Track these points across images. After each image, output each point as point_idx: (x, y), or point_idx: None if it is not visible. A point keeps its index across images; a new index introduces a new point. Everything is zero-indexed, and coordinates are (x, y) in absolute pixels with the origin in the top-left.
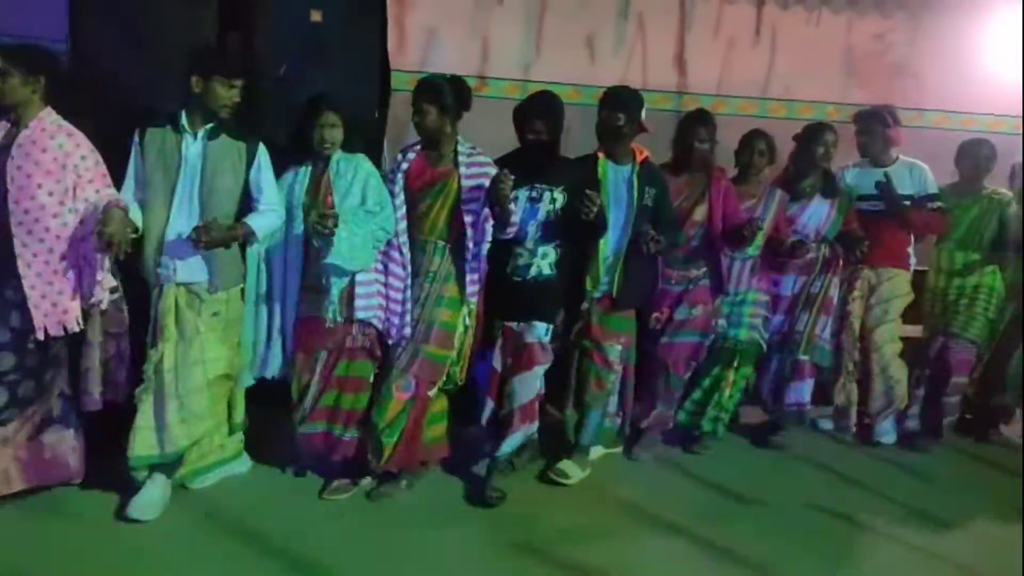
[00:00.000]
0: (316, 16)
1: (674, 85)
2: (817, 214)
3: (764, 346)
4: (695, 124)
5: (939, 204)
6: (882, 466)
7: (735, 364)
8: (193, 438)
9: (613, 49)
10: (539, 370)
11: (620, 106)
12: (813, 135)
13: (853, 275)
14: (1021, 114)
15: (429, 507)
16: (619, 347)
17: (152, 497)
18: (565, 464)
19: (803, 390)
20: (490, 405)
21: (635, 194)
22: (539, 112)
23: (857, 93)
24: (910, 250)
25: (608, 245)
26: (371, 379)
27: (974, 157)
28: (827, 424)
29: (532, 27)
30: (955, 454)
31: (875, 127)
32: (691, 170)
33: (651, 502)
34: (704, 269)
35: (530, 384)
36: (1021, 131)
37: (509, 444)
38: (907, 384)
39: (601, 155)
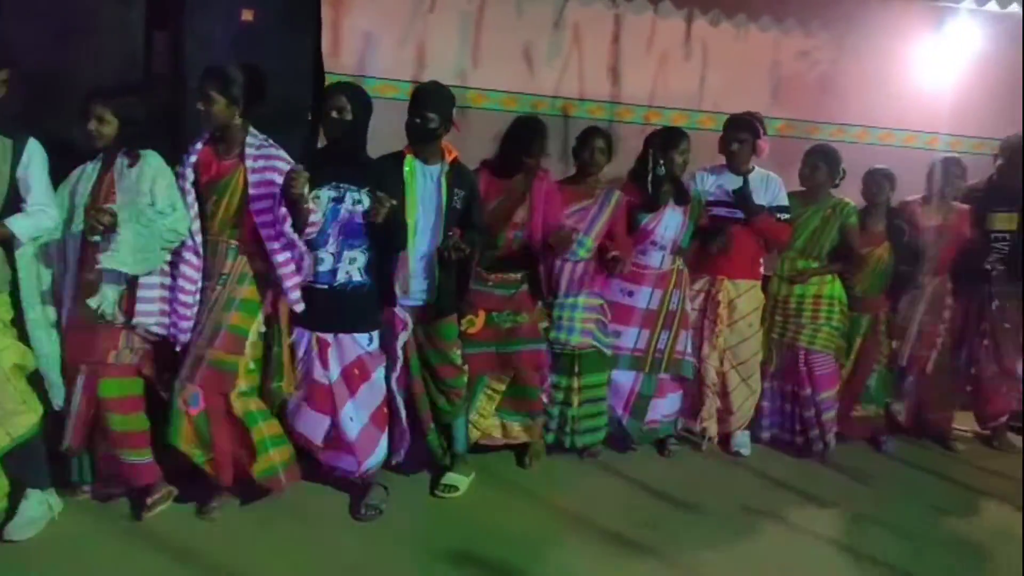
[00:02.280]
0: (247, 16)
1: (608, 95)
2: (672, 223)
3: (607, 352)
4: (521, 131)
5: (787, 216)
6: (813, 468)
7: (576, 371)
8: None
9: (549, 58)
10: (376, 375)
11: (431, 105)
12: (665, 140)
13: (713, 287)
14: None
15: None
16: (458, 352)
17: (29, 516)
18: (449, 478)
19: (664, 406)
20: (325, 423)
21: (444, 196)
22: (341, 90)
23: (782, 108)
24: (762, 260)
25: (417, 249)
26: (141, 395)
27: (946, 174)
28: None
29: (468, 34)
30: (886, 457)
31: (747, 136)
32: (514, 173)
33: (586, 507)
34: (524, 272)
35: (374, 392)
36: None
37: (374, 459)
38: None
39: (409, 154)
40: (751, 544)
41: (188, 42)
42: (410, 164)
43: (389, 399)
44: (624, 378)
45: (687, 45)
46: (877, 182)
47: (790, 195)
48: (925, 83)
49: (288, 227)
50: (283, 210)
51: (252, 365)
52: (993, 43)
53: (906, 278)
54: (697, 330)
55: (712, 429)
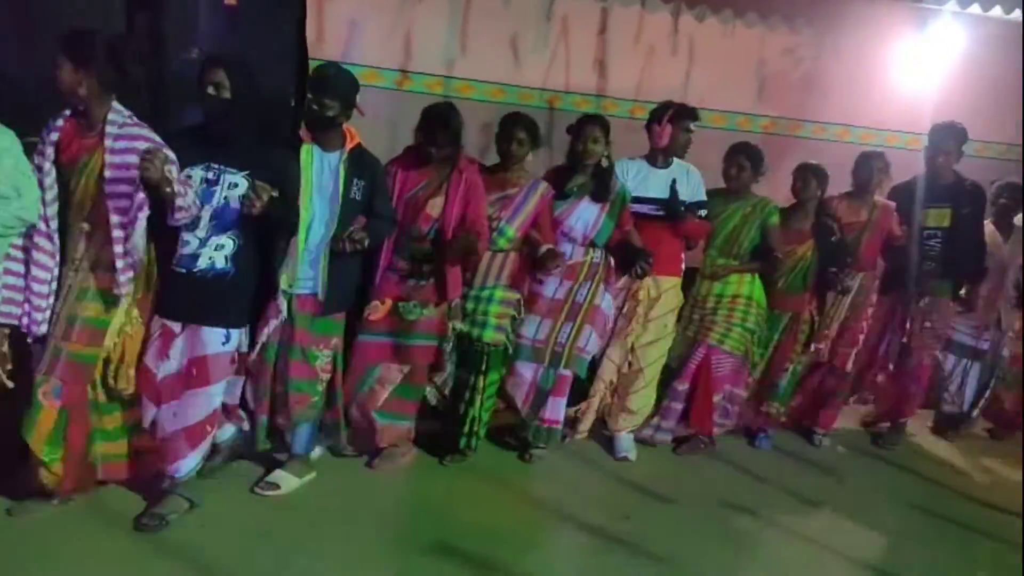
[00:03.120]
0: (231, 0)
1: (595, 88)
2: (585, 217)
3: (511, 348)
4: (426, 121)
5: (705, 212)
6: (787, 461)
7: (483, 369)
8: None
9: (536, 50)
10: (215, 389)
11: (329, 91)
12: (579, 129)
13: (634, 284)
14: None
15: (340, 505)
16: (328, 352)
17: None
18: (274, 474)
19: (560, 406)
20: (151, 412)
21: (341, 185)
22: (219, 63)
23: (767, 106)
24: (682, 256)
25: (310, 239)
26: None
27: (869, 169)
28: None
29: (456, 24)
30: (856, 452)
31: (652, 124)
32: (434, 160)
33: (564, 500)
34: (436, 266)
35: (201, 404)
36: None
37: (180, 469)
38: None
39: (307, 139)
40: (725, 535)
41: (169, 28)
42: (307, 151)
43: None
44: (525, 370)
45: (674, 40)
46: (805, 178)
47: (713, 192)
48: (908, 84)
49: (142, 215)
50: (141, 195)
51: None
52: (976, 45)
53: (830, 276)
54: (603, 326)
55: (587, 423)
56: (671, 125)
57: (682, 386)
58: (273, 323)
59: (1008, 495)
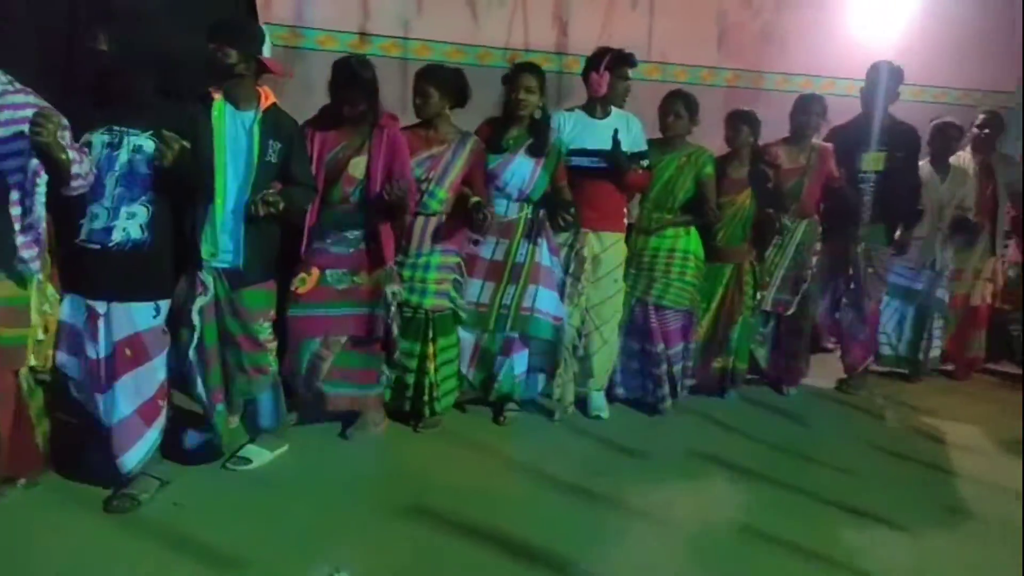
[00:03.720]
0: None
1: (556, 45)
2: (520, 171)
3: (461, 314)
4: (335, 76)
5: (648, 162)
6: (754, 411)
7: (431, 335)
8: None
9: (495, 8)
10: (156, 361)
11: (227, 39)
12: (514, 78)
13: (577, 241)
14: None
15: (314, 472)
16: (267, 324)
17: None
18: (246, 449)
19: (518, 365)
20: (99, 402)
21: (256, 146)
22: (99, 16)
23: (728, 59)
24: (624, 210)
25: (225, 204)
26: None
27: (806, 112)
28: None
29: None
30: (818, 398)
31: (589, 71)
32: (350, 119)
33: (538, 460)
34: (364, 231)
35: (147, 381)
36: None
37: (135, 455)
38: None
39: (218, 96)
40: (699, 487)
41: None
42: (219, 108)
43: (184, 374)
44: (467, 334)
45: None
46: (736, 126)
47: (648, 142)
48: (869, 31)
49: (41, 181)
50: (35, 162)
51: (42, 336)
52: None
53: (770, 224)
54: (559, 287)
55: (568, 396)
56: (609, 73)
57: (655, 347)
58: (200, 300)
59: (965, 435)
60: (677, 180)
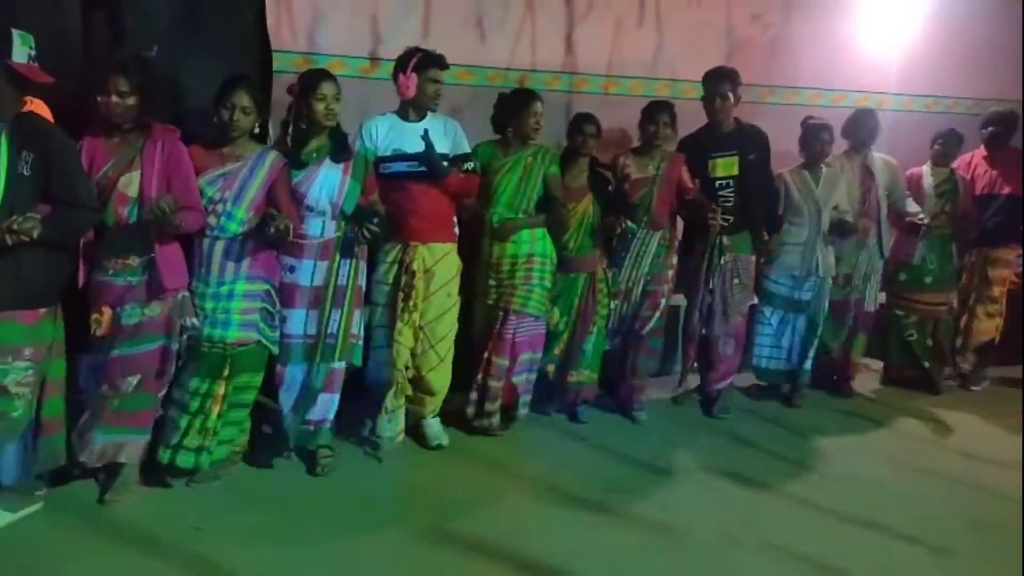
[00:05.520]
0: None
1: (564, 65)
2: (329, 182)
3: (272, 347)
4: (104, 72)
5: (472, 164)
6: (767, 426)
7: (225, 374)
8: None
9: (503, 29)
10: None
11: None
12: (309, 86)
13: (406, 255)
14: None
15: (331, 494)
16: (22, 364)
17: None
18: None
19: (331, 404)
20: None
21: (3, 157)
22: None
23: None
24: (454, 219)
25: None
26: None
27: (654, 122)
28: (388, 431)
29: (420, 7)
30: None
31: (442, 76)
32: (111, 131)
33: (552, 474)
34: (149, 256)
35: None
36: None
37: None
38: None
39: None
40: (714, 503)
41: (128, 20)
42: None
43: None
44: (298, 372)
45: (641, 12)
46: (580, 130)
47: (488, 144)
48: (877, 43)
49: None
50: None
51: None
52: (942, 2)
53: (608, 223)
54: (389, 306)
55: (398, 422)
56: (416, 75)
57: (498, 360)
58: None
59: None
60: (528, 179)
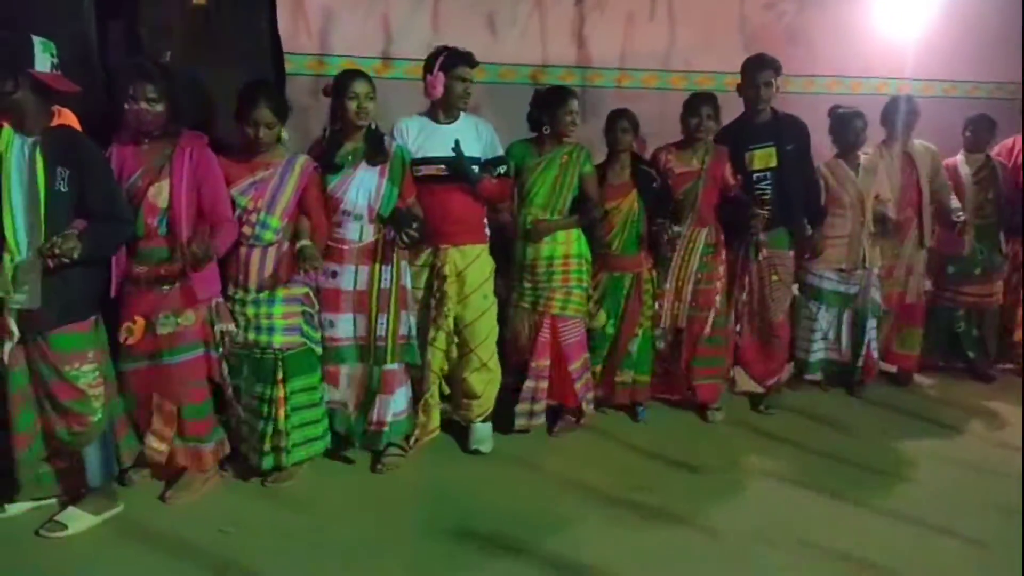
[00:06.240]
0: (199, 0)
1: (577, 60)
2: (366, 185)
3: (312, 347)
4: (131, 79)
5: (505, 168)
6: (801, 421)
7: (280, 378)
8: None
9: (514, 25)
10: None
11: None
12: (341, 86)
13: (437, 259)
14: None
15: (356, 495)
16: (89, 367)
17: None
18: (65, 514)
19: (394, 404)
20: None
21: (40, 174)
22: None
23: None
24: (485, 220)
25: (18, 244)
26: None
27: (697, 114)
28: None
29: (431, 5)
30: (865, 404)
31: (472, 76)
32: (148, 139)
33: (584, 474)
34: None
35: None
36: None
37: None
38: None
39: (5, 124)
40: (749, 500)
41: (141, 28)
42: (7, 135)
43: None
44: (353, 371)
45: (653, 3)
46: (614, 128)
47: (522, 143)
48: (893, 30)
49: None
50: None
51: None
52: None
53: (656, 227)
54: (426, 309)
55: (434, 421)
56: (443, 74)
57: (537, 363)
58: (8, 345)
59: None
60: (563, 179)
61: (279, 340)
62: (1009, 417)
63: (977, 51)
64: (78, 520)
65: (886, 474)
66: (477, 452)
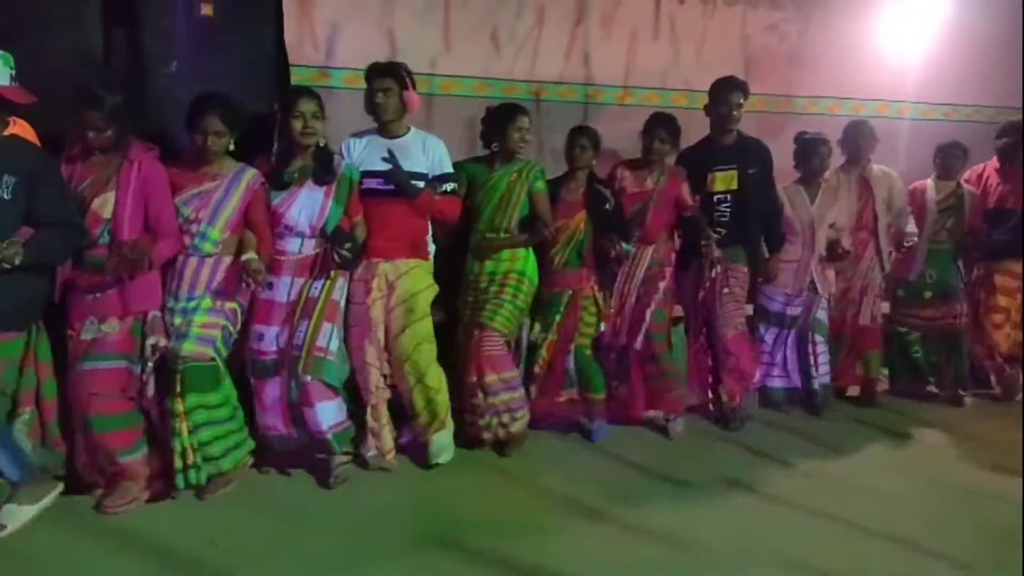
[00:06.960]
0: (207, 9)
1: (580, 77)
2: (309, 205)
3: (220, 364)
4: (79, 107)
5: (453, 185)
6: (783, 436)
7: (177, 391)
8: None
9: (518, 42)
10: None
11: None
12: (288, 104)
13: (368, 272)
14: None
15: (343, 506)
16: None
17: None
18: (3, 513)
19: (319, 416)
20: None
21: None
22: None
23: (754, 84)
24: (428, 237)
25: None
26: None
27: (650, 134)
28: (372, 451)
29: (437, 20)
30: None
31: (391, 85)
32: (96, 149)
33: (567, 487)
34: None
35: None
36: None
37: None
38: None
39: None
40: (729, 514)
41: (147, 37)
42: None
43: None
44: (272, 387)
45: (655, 23)
46: (579, 144)
47: (475, 161)
48: (895, 51)
49: None
50: None
51: None
52: (960, 8)
53: (604, 244)
54: (361, 327)
55: (386, 440)
56: (409, 88)
57: (470, 377)
58: None
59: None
60: (511, 196)
61: (188, 348)
62: (982, 436)
63: (979, 75)
64: (15, 515)
65: (863, 489)
66: (435, 465)
